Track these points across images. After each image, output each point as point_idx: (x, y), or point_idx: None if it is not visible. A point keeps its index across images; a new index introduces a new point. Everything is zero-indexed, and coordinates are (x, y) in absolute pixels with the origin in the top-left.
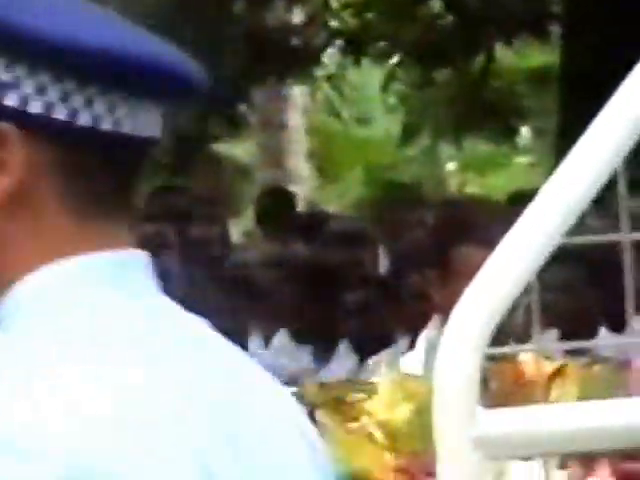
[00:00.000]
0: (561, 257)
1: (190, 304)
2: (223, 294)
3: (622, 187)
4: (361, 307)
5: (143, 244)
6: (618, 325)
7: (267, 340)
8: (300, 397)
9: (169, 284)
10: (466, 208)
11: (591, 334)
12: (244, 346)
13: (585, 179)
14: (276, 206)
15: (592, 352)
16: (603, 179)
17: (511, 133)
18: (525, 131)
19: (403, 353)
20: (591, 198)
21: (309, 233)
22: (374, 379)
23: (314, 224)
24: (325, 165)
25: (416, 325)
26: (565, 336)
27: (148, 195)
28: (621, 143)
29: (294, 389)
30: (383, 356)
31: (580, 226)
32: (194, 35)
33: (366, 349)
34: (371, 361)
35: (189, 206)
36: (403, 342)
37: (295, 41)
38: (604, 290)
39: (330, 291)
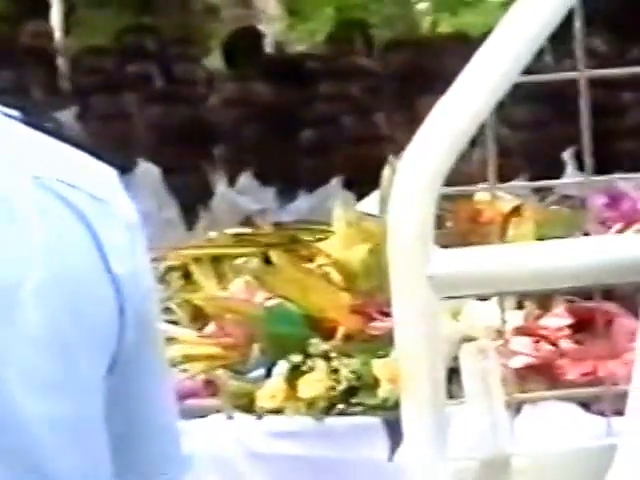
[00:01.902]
0: (528, 96)
1: (153, 143)
2: (189, 134)
3: (578, 23)
4: (320, 147)
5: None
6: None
7: (233, 181)
8: (255, 237)
9: (128, 123)
10: (437, 49)
11: (559, 173)
12: (210, 187)
13: (540, 16)
14: (244, 46)
15: (557, 191)
16: (558, 17)
17: None
18: None
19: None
20: (547, 36)
21: (275, 73)
22: (330, 219)
23: (280, 64)
24: (295, 4)
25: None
26: (534, 177)
27: (117, 33)
28: None
29: (249, 230)
30: (320, 194)
31: (538, 64)
32: None
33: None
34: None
35: (162, 46)
36: (336, 181)
37: None
38: (573, 129)
39: (293, 131)
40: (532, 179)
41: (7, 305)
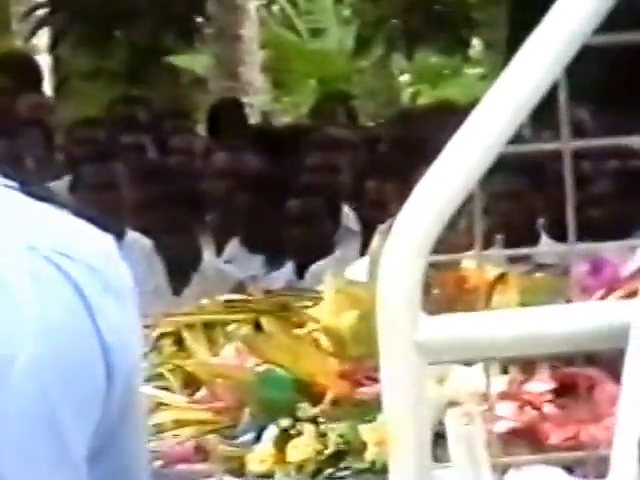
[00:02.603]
0: (503, 167)
1: (143, 212)
2: (176, 204)
3: (563, 96)
4: (311, 216)
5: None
6: (559, 233)
7: (220, 249)
8: (246, 304)
9: (115, 191)
10: (426, 121)
11: (533, 242)
12: (198, 255)
13: (526, 88)
14: (228, 117)
15: (533, 260)
16: (544, 89)
17: (462, 45)
18: (476, 43)
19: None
20: (532, 107)
21: (262, 144)
22: (319, 286)
23: (267, 135)
24: (280, 77)
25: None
26: (507, 245)
27: (108, 105)
28: (561, 53)
29: (241, 296)
30: (325, 264)
31: (520, 138)
32: None
33: (314, 257)
34: (310, 270)
35: (153, 117)
36: (345, 250)
37: None
38: (546, 199)
39: (280, 201)
40: (504, 246)
41: None
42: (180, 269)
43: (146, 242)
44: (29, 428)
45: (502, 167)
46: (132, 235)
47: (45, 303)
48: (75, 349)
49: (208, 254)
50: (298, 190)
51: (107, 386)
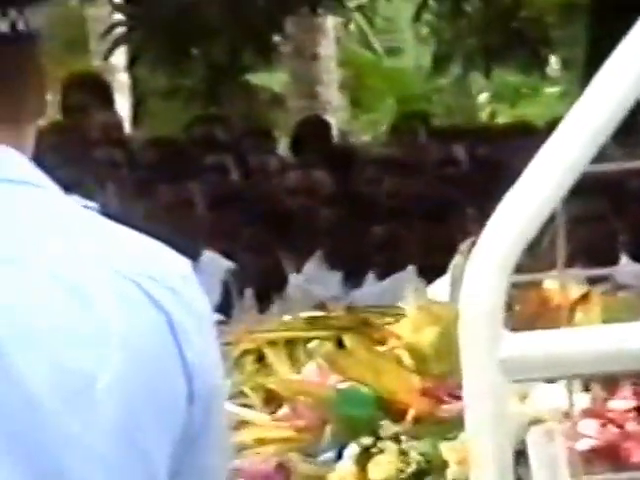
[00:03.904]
0: (583, 187)
1: (224, 237)
2: (259, 223)
3: None
4: (391, 237)
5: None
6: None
7: (300, 266)
8: (328, 321)
9: (191, 210)
10: (506, 141)
11: (613, 262)
12: (281, 272)
13: (608, 108)
14: (313, 135)
15: (613, 281)
16: (626, 108)
17: (541, 63)
18: (554, 61)
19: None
20: (614, 126)
21: (342, 162)
22: (400, 304)
23: (347, 153)
24: (357, 95)
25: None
26: (587, 266)
27: (187, 123)
28: None
29: (322, 313)
30: (397, 279)
31: (602, 157)
32: None
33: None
34: (386, 283)
35: (233, 136)
36: (411, 268)
37: None
38: (626, 220)
39: (361, 220)
40: (584, 266)
41: (83, 396)
42: (264, 289)
43: (226, 264)
44: (114, 445)
45: (580, 187)
46: (209, 255)
47: (130, 321)
48: (159, 368)
49: (292, 274)
50: (379, 211)
51: (188, 406)
